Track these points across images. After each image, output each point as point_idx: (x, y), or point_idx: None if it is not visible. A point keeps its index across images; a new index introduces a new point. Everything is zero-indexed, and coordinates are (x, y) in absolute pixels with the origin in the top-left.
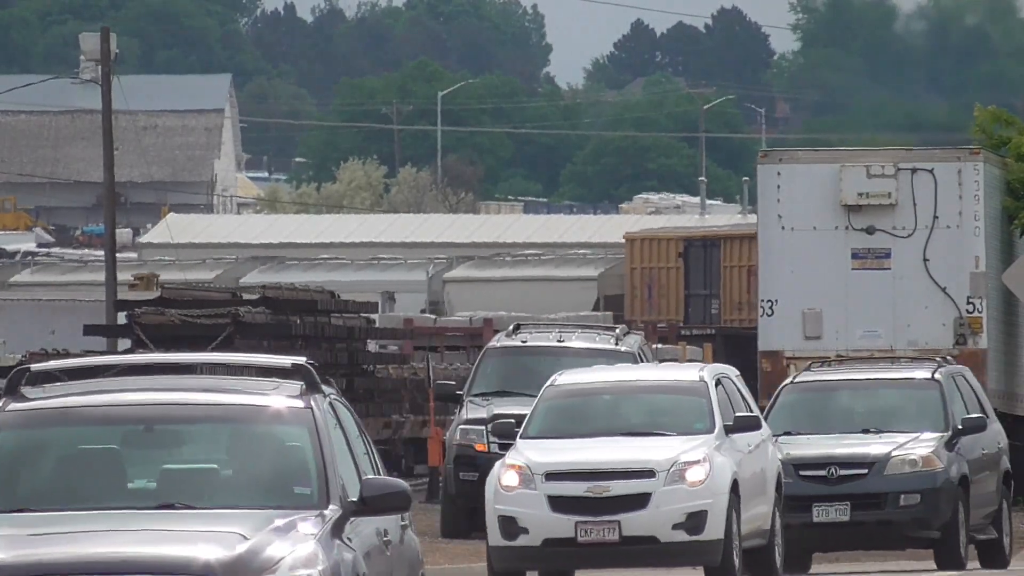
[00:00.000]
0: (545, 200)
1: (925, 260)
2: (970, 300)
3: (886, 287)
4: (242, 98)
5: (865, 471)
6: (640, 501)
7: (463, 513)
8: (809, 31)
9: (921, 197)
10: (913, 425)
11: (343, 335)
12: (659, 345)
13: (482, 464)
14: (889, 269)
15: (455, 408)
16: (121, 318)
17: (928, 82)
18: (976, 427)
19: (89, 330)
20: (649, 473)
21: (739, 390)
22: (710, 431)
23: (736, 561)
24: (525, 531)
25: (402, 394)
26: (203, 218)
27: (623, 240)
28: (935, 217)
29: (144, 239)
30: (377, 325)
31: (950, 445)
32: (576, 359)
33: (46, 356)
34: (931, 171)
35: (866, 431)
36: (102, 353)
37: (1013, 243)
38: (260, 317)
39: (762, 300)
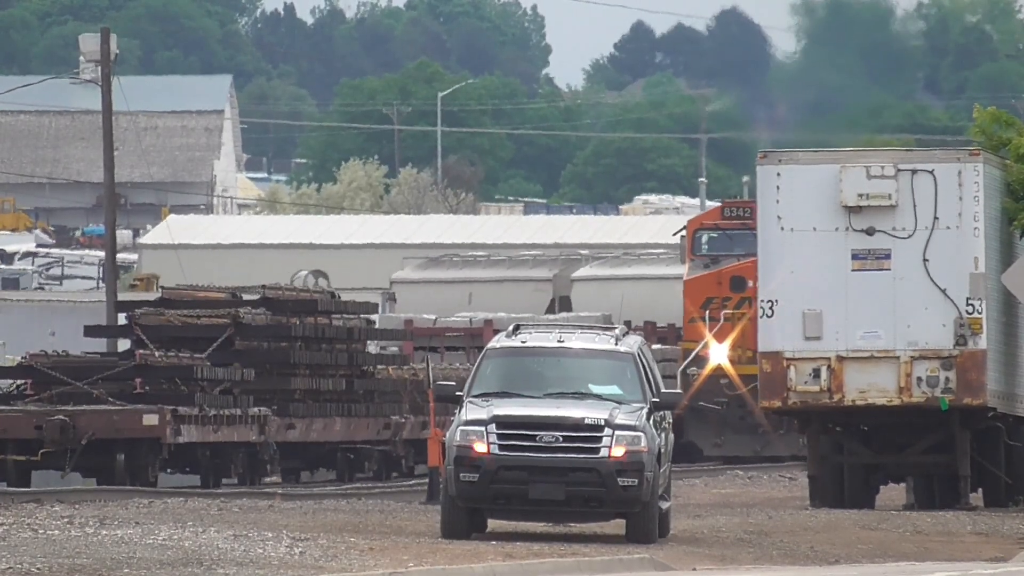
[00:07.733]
0: (545, 201)
1: (925, 261)
2: (970, 301)
3: (886, 288)
4: (242, 99)
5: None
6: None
7: (463, 513)
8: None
9: (921, 198)
10: None
11: (343, 336)
12: (658, 346)
13: (482, 465)
14: (889, 270)
15: (455, 409)
16: (121, 319)
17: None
18: None
19: (89, 331)
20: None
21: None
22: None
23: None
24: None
25: (402, 395)
26: (203, 219)
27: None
28: (935, 218)
29: (144, 240)
30: (377, 326)
31: None
32: (575, 359)
33: (46, 358)
34: (931, 172)
35: None
36: (102, 355)
37: (1013, 244)
38: (260, 318)
39: (762, 301)
